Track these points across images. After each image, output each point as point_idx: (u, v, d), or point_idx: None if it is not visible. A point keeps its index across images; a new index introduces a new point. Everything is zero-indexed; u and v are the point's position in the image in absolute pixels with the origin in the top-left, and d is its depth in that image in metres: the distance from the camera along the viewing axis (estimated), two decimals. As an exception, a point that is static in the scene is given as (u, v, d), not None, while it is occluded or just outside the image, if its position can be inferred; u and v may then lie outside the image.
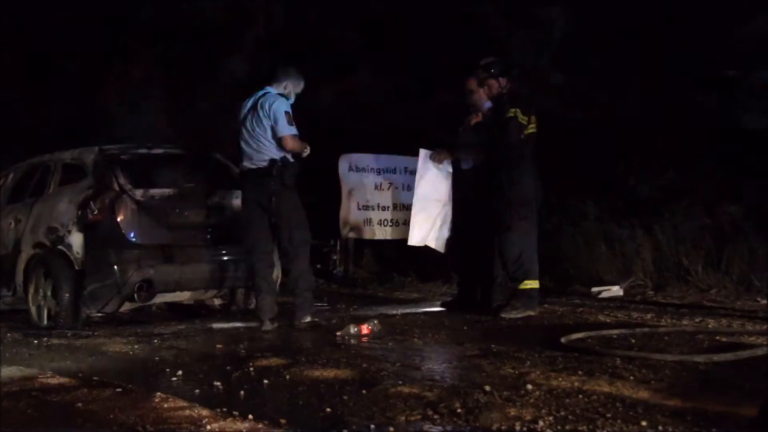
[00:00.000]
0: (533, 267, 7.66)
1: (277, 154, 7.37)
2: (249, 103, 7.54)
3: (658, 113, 10.59)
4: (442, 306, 8.47)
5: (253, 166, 7.42)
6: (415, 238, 8.16)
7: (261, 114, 7.39)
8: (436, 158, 8.09)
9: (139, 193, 7.88)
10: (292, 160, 7.43)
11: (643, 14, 10.86)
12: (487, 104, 8.10)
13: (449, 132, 8.58)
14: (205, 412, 4.03)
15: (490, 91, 7.95)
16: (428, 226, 8.13)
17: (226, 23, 15.78)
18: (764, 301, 7.74)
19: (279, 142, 7.34)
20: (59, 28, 17.22)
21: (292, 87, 7.63)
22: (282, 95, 7.51)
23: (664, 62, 10.82)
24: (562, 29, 11.03)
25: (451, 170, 8.15)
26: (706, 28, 10.15)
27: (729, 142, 9.86)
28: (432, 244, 8.25)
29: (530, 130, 7.67)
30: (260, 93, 7.53)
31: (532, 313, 7.50)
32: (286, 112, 7.34)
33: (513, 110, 7.56)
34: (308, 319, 7.36)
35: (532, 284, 7.61)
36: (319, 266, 11.87)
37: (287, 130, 7.33)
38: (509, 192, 7.58)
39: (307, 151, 7.64)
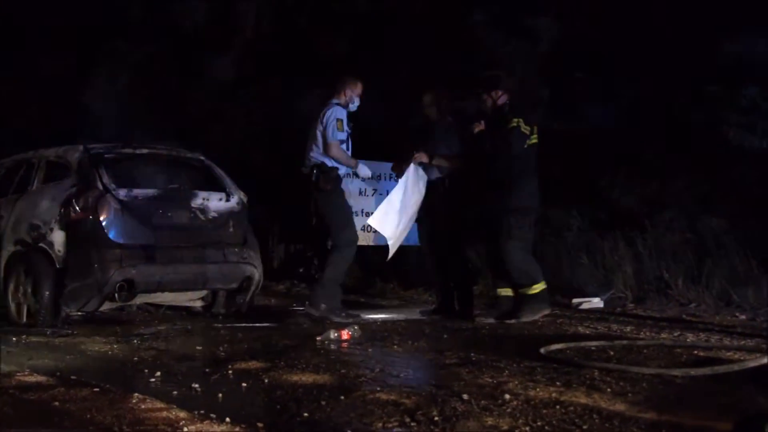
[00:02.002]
0: (537, 271, 7.81)
1: (319, 160, 7.87)
2: (318, 115, 8.00)
3: (644, 126, 10.65)
4: (421, 313, 8.49)
5: (304, 171, 7.98)
6: (374, 219, 8.25)
7: (318, 122, 7.89)
8: (414, 158, 8.17)
9: (122, 193, 7.87)
10: (330, 165, 7.88)
11: (629, 29, 10.93)
12: (444, 121, 8.39)
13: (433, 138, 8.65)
14: (182, 414, 4.02)
15: (485, 105, 8.03)
16: (393, 219, 8.18)
17: (214, 26, 15.77)
18: (743, 317, 7.79)
19: (326, 147, 7.81)
20: (47, 27, 17.18)
21: (351, 92, 8.09)
22: (340, 105, 7.96)
23: (650, 77, 10.89)
24: (549, 42, 11.08)
25: (424, 180, 8.24)
26: (693, 44, 10.22)
27: (713, 156, 9.91)
28: (385, 241, 8.33)
29: (533, 141, 7.74)
30: (327, 105, 8.02)
31: (547, 311, 7.73)
32: (338, 119, 7.85)
33: (516, 120, 7.64)
34: (323, 306, 7.81)
35: (541, 287, 7.76)
36: (301, 270, 11.91)
37: (333, 137, 7.80)
38: (510, 201, 7.66)
39: (356, 168, 8.25)
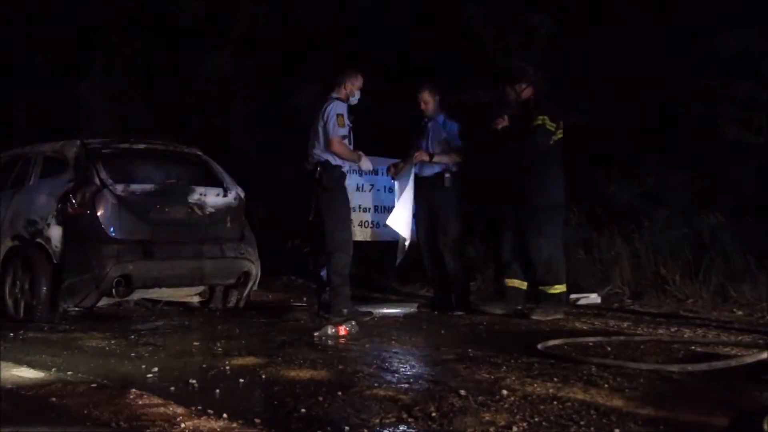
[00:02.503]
0: (562, 271, 7.86)
1: (322, 157, 7.75)
2: (319, 111, 7.88)
3: (640, 121, 10.64)
4: (419, 308, 8.51)
5: (307, 168, 7.86)
6: (392, 220, 8.38)
7: (319, 118, 7.78)
8: (415, 157, 8.23)
9: (119, 188, 7.87)
10: (334, 163, 7.79)
11: (625, 24, 10.92)
12: (440, 117, 8.48)
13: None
14: (179, 410, 4.02)
15: (508, 99, 8.01)
16: (408, 220, 8.31)
17: (211, 19, 15.73)
18: (740, 312, 7.79)
19: (328, 144, 7.69)
20: (42, 20, 17.14)
21: (351, 85, 7.95)
22: (340, 99, 7.84)
23: (647, 71, 10.88)
24: (545, 37, 11.06)
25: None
26: (689, 39, 10.22)
27: (709, 151, 9.91)
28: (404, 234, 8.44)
29: (558, 136, 7.75)
30: (326, 99, 7.90)
31: (560, 316, 7.66)
32: (338, 115, 7.73)
33: (541, 117, 7.64)
34: (344, 311, 7.61)
35: (562, 288, 7.80)
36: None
37: (334, 132, 7.69)
38: (538, 198, 7.69)
39: (360, 161, 8.13)
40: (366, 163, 8.27)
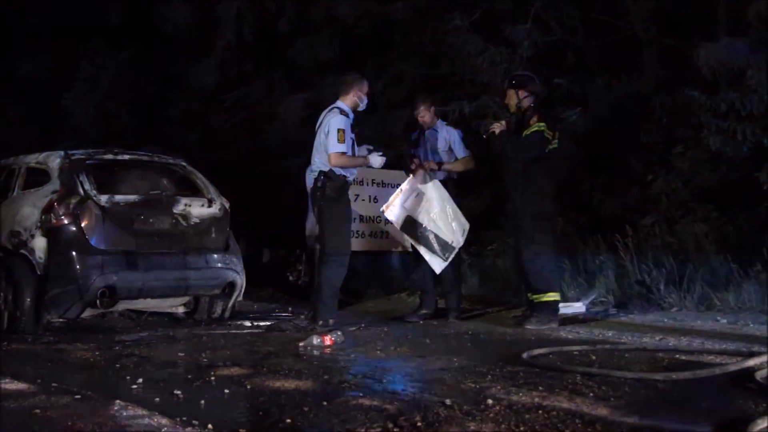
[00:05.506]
0: (555, 279, 7.89)
1: (326, 167, 7.72)
2: (321, 117, 7.90)
3: (623, 131, 10.69)
4: (405, 319, 8.51)
5: (311, 175, 7.87)
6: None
7: (321, 128, 7.77)
8: (425, 166, 8.22)
9: (103, 199, 7.84)
10: (338, 173, 7.75)
11: (608, 34, 10.99)
12: (438, 123, 8.55)
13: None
14: (164, 421, 4.00)
15: (510, 103, 8.06)
16: (451, 227, 8.20)
17: (196, 30, 15.74)
18: (724, 321, 7.81)
19: (328, 158, 7.69)
20: (27, 30, 17.10)
21: (360, 91, 7.92)
22: (343, 111, 7.77)
23: (629, 82, 10.94)
24: (528, 47, 11.10)
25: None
26: (672, 49, 10.28)
27: (692, 161, 9.96)
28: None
29: (553, 145, 7.78)
30: (330, 107, 7.87)
31: (554, 324, 7.64)
32: (339, 129, 7.65)
33: (541, 124, 7.66)
34: (330, 321, 7.66)
35: (555, 296, 7.80)
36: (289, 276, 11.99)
37: (333, 148, 7.65)
38: (531, 205, 7.70)
39: (368, 162, 8.03)
40: (375, 161, 8.10)
